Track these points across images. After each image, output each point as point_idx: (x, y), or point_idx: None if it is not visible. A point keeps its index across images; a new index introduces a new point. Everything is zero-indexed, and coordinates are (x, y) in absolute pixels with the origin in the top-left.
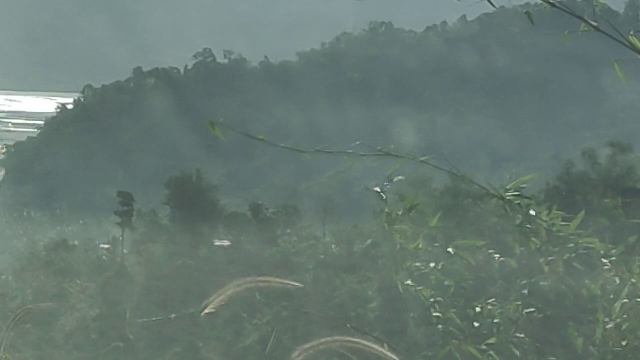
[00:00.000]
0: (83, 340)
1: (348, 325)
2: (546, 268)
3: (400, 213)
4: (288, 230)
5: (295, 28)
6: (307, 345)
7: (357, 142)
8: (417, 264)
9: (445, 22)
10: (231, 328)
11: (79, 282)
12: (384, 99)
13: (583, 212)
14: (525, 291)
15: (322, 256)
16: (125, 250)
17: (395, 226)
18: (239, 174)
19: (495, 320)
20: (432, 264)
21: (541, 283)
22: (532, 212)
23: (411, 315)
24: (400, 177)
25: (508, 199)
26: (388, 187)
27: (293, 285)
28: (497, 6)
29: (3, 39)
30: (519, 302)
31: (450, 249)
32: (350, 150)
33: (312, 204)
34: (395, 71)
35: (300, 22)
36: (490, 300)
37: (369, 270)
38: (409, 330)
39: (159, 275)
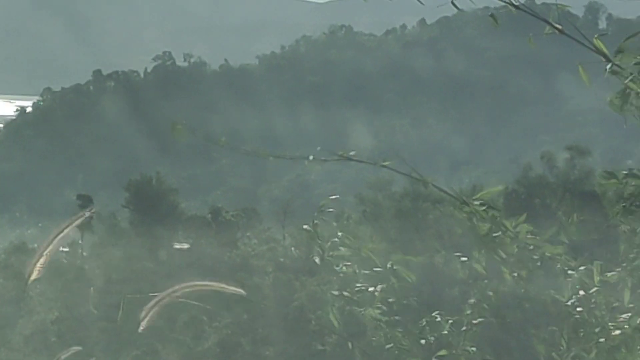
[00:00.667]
0: (42, 343)
1: (313, 323)
2: (509, 276)
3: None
4: (248, 234)
5: (255, 31)
6: (151, 303)
7: (319, 148)
8: (359, 286)
9: (404, 25)
10: (190, 331)
11: (37, 285)
12: (342, 102)
13: (555, 229)
14: (473, 300)
15: (281, 259)
16: (84, 254)
17: (332, 252)
18: (199, 177)
19: (444, 332)
20: (371, 288)
21: (501, 289)
22: (499, 222)
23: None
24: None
25: (475, 209)
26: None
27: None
28: (458, 8)
29: None
30: (469, 312)
31: (391, 265)
32: (311, 156)
33: (272, 207)
34: (354, 75)
35: (260, 25)
36: (435, 313)
37: (329, 272)
38: (369, 332)
39: (118, 278)
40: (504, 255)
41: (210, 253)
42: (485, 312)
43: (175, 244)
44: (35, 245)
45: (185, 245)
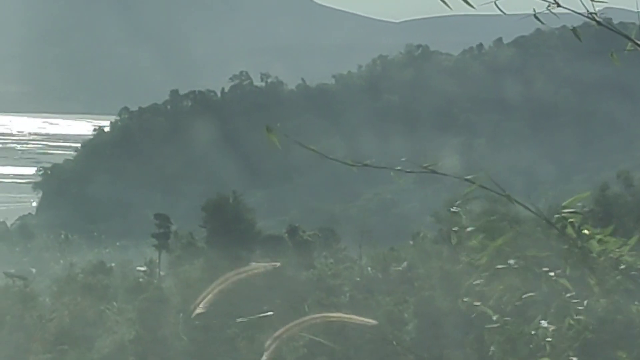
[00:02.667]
0: None
1: (393, 343)
2: (597, 289)
3: (470, 230)
4: (325, 253)
5: (332, 51)
6: (277, 333)
7: (404, 159)
8: (479, 282)
9: (481, 44)
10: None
11: (115, 304)
12: (422, 122)
13: (638, 237)
14: (580, 316)
15: (358, 278)
16: (162, 273)
17: (464, 243)
18: (277, 197)
19: (549, 339)
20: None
21: (592, 304)
22: (586, 232)
23: (454, 336)
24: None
25: (561, 219)
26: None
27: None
28: (542, 22)
29: (43, 63)
30: (573, 322)
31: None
32: (398, 168)
33: (349, 226)
34: (432, 94)
35: (338, 45)
36: (543, 322)
37: (406, 292)
38: (446, 353)
39: (196, 297)
40: (591, 266)
41: (288, 273)
42: (588, 324)
43: (252, 263)
44: (113, 264)
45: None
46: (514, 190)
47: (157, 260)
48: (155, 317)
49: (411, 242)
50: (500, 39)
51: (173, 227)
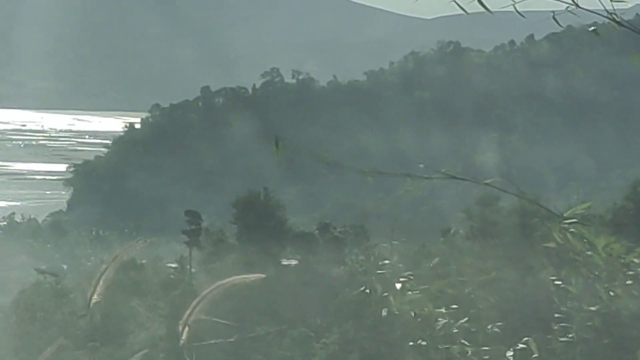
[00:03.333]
0: (151, 359)
1: (418, 342)
2: (604, 295)
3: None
4: (355, 250)
5: (365, 48)
6: (205, 291)
7: (421, 165)
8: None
9: (513, 41)
10: (299, 347)
11: (147, 301)
12: (455, 119)
13: None
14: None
15: (389, 275)
16: (193, 269)
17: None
18: (308, 194)
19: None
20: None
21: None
22: (589, 239)
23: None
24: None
25: (565, 226)
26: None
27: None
28: (560, 25)
29: (75, 60)
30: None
31: None
32: (418, 174)
33: (379, 223)
34: (464, 91)
35: (371, 42)
36: (524, 340)
37: (436, 289)
38: (476, 348)
39: (227, 294)
40: (596, 272)
41: (318, 269)
42: (582, 329)
43: (283, 260)
44: (144, 261)
45: (293, 262)
46: (548, 186)
47: (188, 257)
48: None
49: (442, 239)
50: (531, 36)
51: (204, 224)
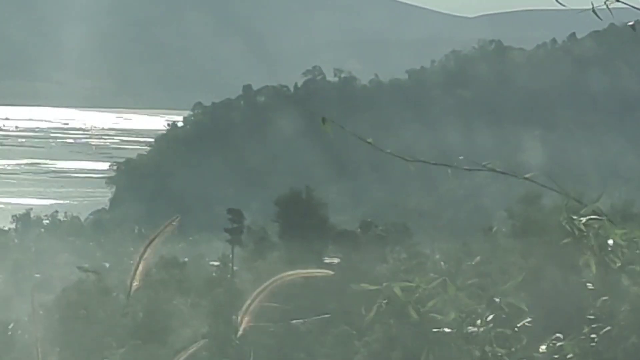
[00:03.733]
0: (194, 356)
1: (459, 341)
2: (630, 287)
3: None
4: (397, 248)
5: (407, 47)
6: (244, 307)
7: (461, 157)
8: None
9: (554, 39)
10: (340, 346)
11: (189, 299)
12: (497, 117)
13: None
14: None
15: (431, 273)
16: (235, 267)
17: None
18: (348, 191)
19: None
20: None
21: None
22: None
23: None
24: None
25: (580, 220)
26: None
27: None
28: (600, 17)
29: (118, 59)
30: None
31: None
32: (456, 164)
33: (421, 221)
34: (506, 89)
35: (413, 41)
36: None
37: (478, 287)
38: (517, 346)
39: (270, 292)
40: (618, 263)
41: (360, 267)
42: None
43: (325, 258)
44: (187, 259)
45: (335, 260)
46: (591, 184)
47: (230, 255)
48: (229, 311)
49: (484, 237)
50: (573, 34)
51: (246, 222)
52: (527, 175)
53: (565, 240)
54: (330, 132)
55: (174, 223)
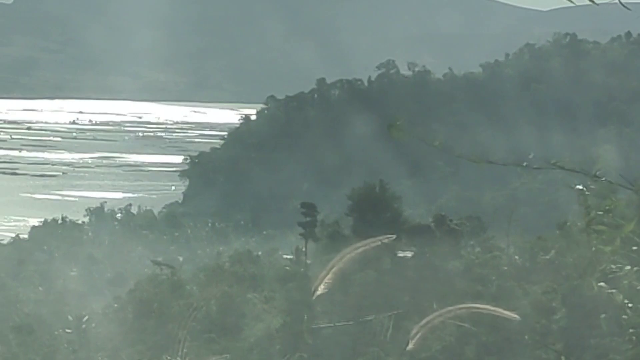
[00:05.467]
0: (267, 350)
1: (533, 337)
2: None
3: (601, 213)
4: (471, 242)
5: (482, 41)
6: (423, 322)
7: (531, 155)
8: (612, 267)
9: (629, 32)
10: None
11: (263, 293)
12: (573, 112)
13: None
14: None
15: (505, 267)
16: (308, 261)
17: (593, 227)
18: (422, 185)
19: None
20: (627, 267)
21: None
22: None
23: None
24: None
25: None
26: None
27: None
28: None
29: (192, 52)
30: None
31: None
32: (525, 163)
33: (496, 215)
34: (581, 83)
35: (488, 35)
36: None
37: (553, 281)
38: (593, 342)
39: (343, 285)
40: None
41: (434, 261)
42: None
43: (399, 252)
44: (260, 253)
45: (409, 254)
46: None
47: (304, 249)
48: (302, 305)
49: (558, 231)
50: None
51: (319, 216)
52: (597, 172)
53: None
54: (396, 137)
55: (384, 240)
